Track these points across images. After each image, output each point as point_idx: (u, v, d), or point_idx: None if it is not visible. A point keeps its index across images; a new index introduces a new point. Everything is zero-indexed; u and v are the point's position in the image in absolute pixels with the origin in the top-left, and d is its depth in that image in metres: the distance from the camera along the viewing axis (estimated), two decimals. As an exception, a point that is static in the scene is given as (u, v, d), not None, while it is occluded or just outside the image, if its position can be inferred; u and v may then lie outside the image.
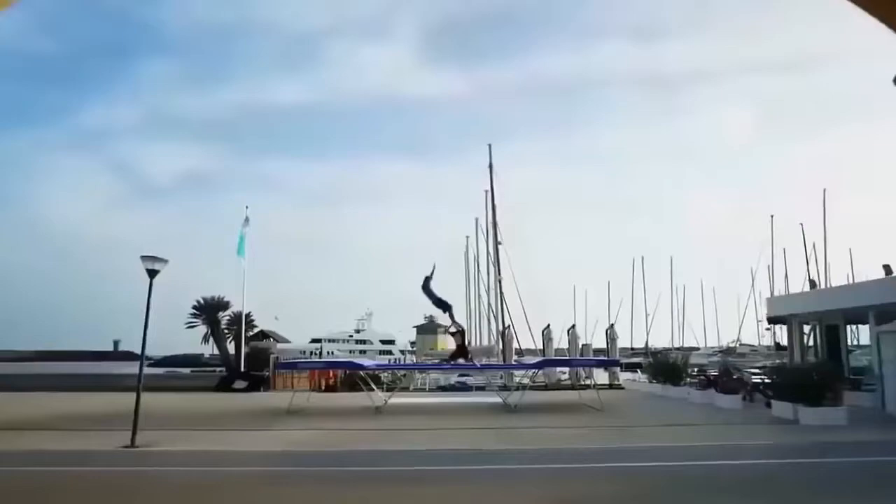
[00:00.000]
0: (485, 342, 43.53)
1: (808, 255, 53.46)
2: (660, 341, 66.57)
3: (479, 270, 46.46)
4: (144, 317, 11.19)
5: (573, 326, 24.27)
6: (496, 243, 34.87)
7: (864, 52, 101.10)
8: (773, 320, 25.14)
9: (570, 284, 60.96)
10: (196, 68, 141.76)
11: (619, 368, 23.28)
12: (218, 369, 27.53)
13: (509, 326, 24.67)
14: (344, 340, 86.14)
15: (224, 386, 24.52)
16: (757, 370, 23.58)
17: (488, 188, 37.07)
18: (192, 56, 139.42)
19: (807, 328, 22.39)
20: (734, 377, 16.67)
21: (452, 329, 17.64)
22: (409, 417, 14.85)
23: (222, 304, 26.03)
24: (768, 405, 15.96)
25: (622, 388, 23.63)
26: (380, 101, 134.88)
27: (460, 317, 50.68)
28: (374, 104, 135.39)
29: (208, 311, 25.84)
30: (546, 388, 22.85)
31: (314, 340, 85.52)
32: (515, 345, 27.64)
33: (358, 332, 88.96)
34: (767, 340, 59.42)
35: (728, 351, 54.57)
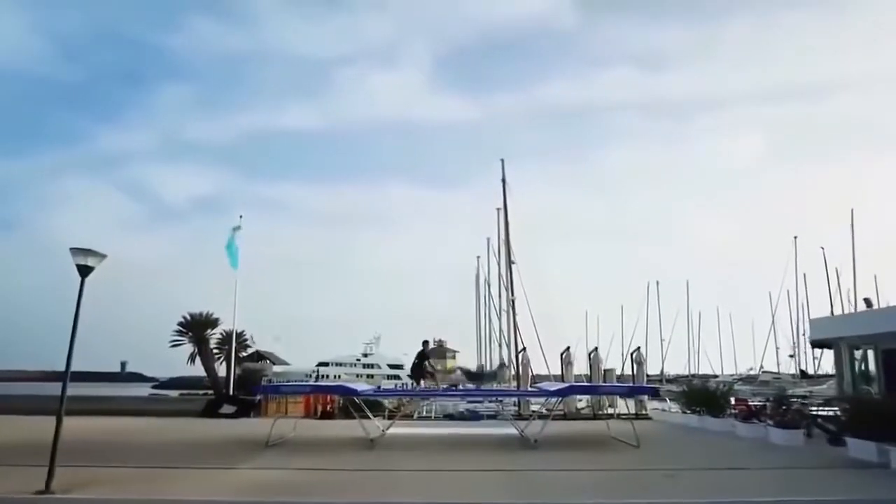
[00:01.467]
0: (496, 366, 40.98)
1: (831, 279, 50.70)
2: (674, 368, 63.49)
3: (490, 292, 44.14)
4: (72, 325, 8.84)
5: (595, 350, 21.60)
6: (509, 262, 32.49)
7: (871, 78, 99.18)
8: (816, 344, 22.39)
9: (580, 309, 58.21)
10: (209, 94, 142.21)
11: (646, 397, 20.47)
12: (206, 392, 25.07)
13: (525, 349, 22.05)
14: (351, 364, 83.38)
15: (210, 411, 22.00)
16: (797, 400, 20.79)
17: (500, 206, 34.91)
18: (206, 82, 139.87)
19: (857, 353, 19.66)
20: (792, 408, 13.90)
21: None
22: (408, 453, 12.27)
23: (210, 321, 23.57)
24: (833, 442, 13.28)
25: (649, 419, 20.87)
26: (390, 126, 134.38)
27: (470, 341, 48.19)
28: (385, 129, 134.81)
29: (195, 328, 23.40)
30: (565, 417, 20.17)
31: (321, 364, 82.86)
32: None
33: (366, 355, 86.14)
34: (786, 367, 56.48)
35: (749, 378, 51.35)
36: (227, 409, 21.91)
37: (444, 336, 69.15)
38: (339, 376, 73.45)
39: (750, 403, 18.76)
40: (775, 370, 51.91)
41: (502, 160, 33.74)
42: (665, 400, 21.80)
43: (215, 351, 25.02)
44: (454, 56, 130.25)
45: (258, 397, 21.86)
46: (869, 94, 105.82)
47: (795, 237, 50.18)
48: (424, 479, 9.50)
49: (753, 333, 64.84)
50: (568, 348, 21.36)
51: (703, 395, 17.47)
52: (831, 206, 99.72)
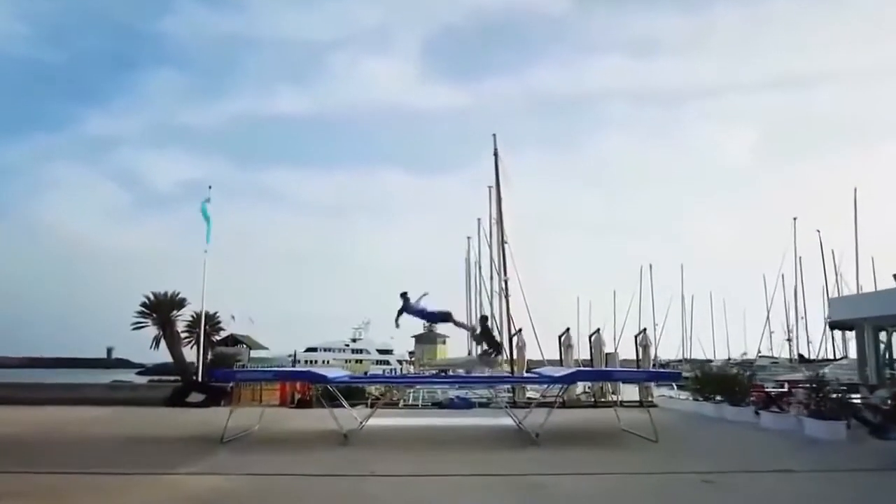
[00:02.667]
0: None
1: (828, 263, 49.13)
2: (665, 353, 61.88)
3: (481, 274, 42.12)
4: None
5: (598, 332, 19.57)
6: (501, 241, 30.49)
7: (865, 69, 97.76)
8: (836, 326, 20.59)
9: (571, 296, 56.42)
10: (200, 79, 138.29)
11: (653, 384, 18.53)
12: (176, 379, 22.90)
13: (521, 330, 19.95)
14: (340, 350, 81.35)
15: (177, 399, 19.88)
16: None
17: (492, 184, 32.85)
18: (196, 67, 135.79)
19: (882, 335, 17.84)
20: (833, 396, 11.94)
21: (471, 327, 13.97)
22: (387, 452, 10.23)
23: (177, 302, 21.33)
24: (877, 435, 11.43)
25: (655, 406, 18.99)
26: (382, 112, 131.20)
27: (458, 329, 46.17)
28: (377, 115, 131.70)
29: (159, 309, 21.16)
30: (564, 405, 18.25)
31: (309, 349, 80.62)
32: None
33: (354, 340, 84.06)
34: (777, 351, 55.10)
35: (746, 363, 49.82)
36: (195, 397, 19.77)
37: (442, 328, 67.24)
38: (328, 361, 71.43)
39: (767, 390, 16.86)
40: (771, 354, 50.53)
41: (494, 135, 31.71)
42: (672, 386, 19.89)
43: (185, 335, 22.84)
44: (446, 41, 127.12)
45: (230, 384, 19.75)
46: (863, 86, 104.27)
47: (795, 218, 48.68)
48: (403, 489, 7.47)
49: (744, 319, 63.60)
50: (568, 330, 19.36)
51: (720, 381, 15.53)
52: (824, 196, 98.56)
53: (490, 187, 34.04)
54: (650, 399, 19.34)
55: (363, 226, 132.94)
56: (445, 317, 13.47)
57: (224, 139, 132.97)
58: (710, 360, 55.54)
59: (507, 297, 27.84)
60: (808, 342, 52.75)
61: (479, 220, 41.20)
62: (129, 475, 8.10)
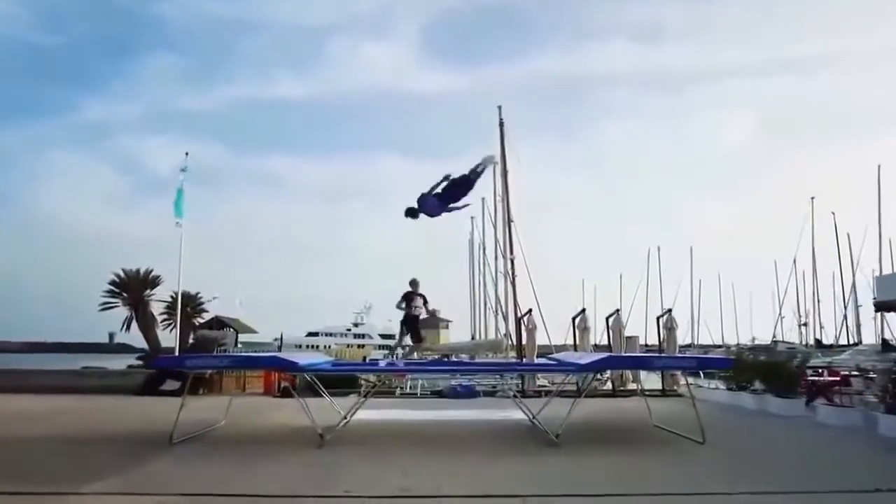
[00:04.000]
0: (491, 335, 36.93)
1: (842, 245, 46.75)
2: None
3: (485, 256, 39.96)
4: None
5: (617, 312, 17.38)
6: (507, 218, 28.21)
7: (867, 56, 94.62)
8: (884, 307, 18.40)
9: (576, 279, 54.09)
10: (197, 64, 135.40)
11: (679, 372, 16.34)
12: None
13: (531, 311, 17.70)
14: (342, 334, 79.68)
15: (150, 387, 17.88)
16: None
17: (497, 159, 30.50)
18: (194, 52, 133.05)
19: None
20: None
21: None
22: (369, 459, 8.09)
23: (150, 280, 19.17)
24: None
25: (680, 396, 16.90)
26: (381, 97, 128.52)
27: (463, 309, 43.98)
28: (376, 100, 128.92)
29: (130, 287, 19.01)
30: (578, 393, 16.19)
31: (311, 334, 79.08)
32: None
33: (356, 325, 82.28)
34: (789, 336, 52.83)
35: (759, 348, 47.52)
36: (170, 385, 17.68)
37: (437, 306, 65.30)
38: (330, 346, 69.70)
39: (811, 378, 14.69)
40: (785, 339, 48.24)
41: (499, 107, 29.28)
42: (698, 374, 17.72)
43: (164, 317, 20.75)
44: (445, 26, 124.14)
45: (208, 371, 17.68)
46: (864, 71, 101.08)
47: (813, 198, 46.12)
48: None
49: (750, 303, 61.48)
50: (583, 311, 17.16)
51: (763, 368, 13.36)
52: (832, 179, 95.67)
53: (495, 163, 31.84)
54: (675, 388, 17.23)
55: (362, 211, 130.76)
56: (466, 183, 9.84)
57: (222, 124, 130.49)
58: (719, 346, 53.38)
59: (513, 276, 25.65)
60: (821, 327, 50.61)
61: (482, 199, 39.00)
62: (19, 496, 6.00)
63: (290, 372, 9.04)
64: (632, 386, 17.26)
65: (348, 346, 71.21)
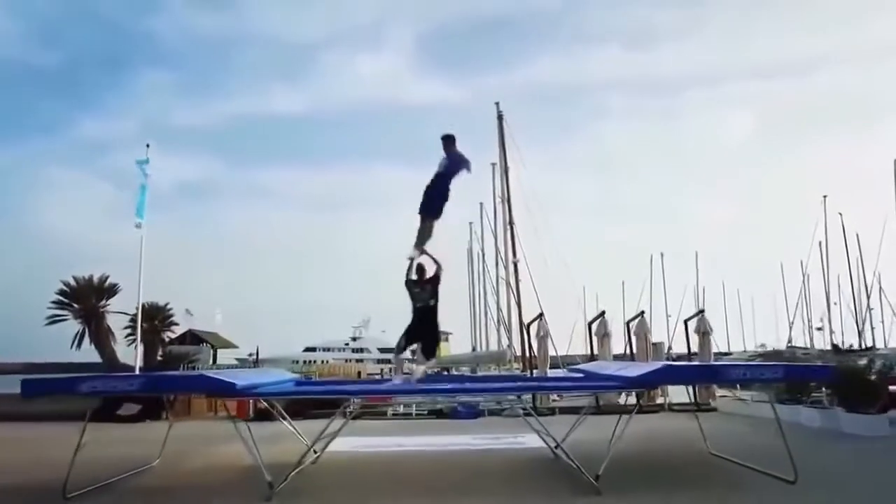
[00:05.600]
0: (493, 347, 34.39)
1: (850, 245, 44.35)
2: (679, 346, 56.96)
3: (484, 262, 37.57)
4: None
5: (642, 315, 14.80)
6: (509, 220, 25.80)
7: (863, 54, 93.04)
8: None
9: (576, 286, 51.48)
10: (193, 79, 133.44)
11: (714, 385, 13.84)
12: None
13: (542, 315, 15.04)
14: (339, 349, 76.90)
15: (106, 412, 15.32)
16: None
17: (495, 160, 28.17)
18: (189, 67, 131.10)
19: None
20: None
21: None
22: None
23: (105, 289, 16.55)
24: None
25: (714, 411, 14.44)
26: (376, 108, 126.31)
27: (462, 321, 41.50)
28: (371, 111, 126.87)
29: (82, 297, 16.40)
30: (599, 409, 13.73)
31: (308, 349, 76.25)
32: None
33: (354, 339, 79.47)
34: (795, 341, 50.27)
35: (770, 355, 44.98)
36: (128, 408, 15.20)
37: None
38: (327, 362, 66.93)
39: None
40: (799, 345, 45.64)
41: (497, 103, 27.04)
42: (735, 386, 15.20)
43: (128, 332, 18.19)
44: (439, 36, 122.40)
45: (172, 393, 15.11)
46: (865, 65, 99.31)
47: (825, 196, 43.48)
48: None
49: (753, 308, 58.95)
50: (602, 314, 14.59)
51: (859, 379, 10.72)
52: (835, 180, 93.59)
53: (493, 164, 29.54)
54: (710, 402, 14.72)
55: (359, 221, 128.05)
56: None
57: (218, 138, 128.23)
58: (727, 353, 50.71)
59: (517, 280, 23.20)
60: (831, 332, 48.01)
61: (481, 203, 36.68)
62: None
63: (221, 396, 6.54)
64: (659, 399, 14.74)
65: (346, 360, 68.44)
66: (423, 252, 8.02)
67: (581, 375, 8.53)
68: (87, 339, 16.39)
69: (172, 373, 8.26)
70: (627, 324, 15.22)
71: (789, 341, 44.69)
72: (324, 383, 10.27)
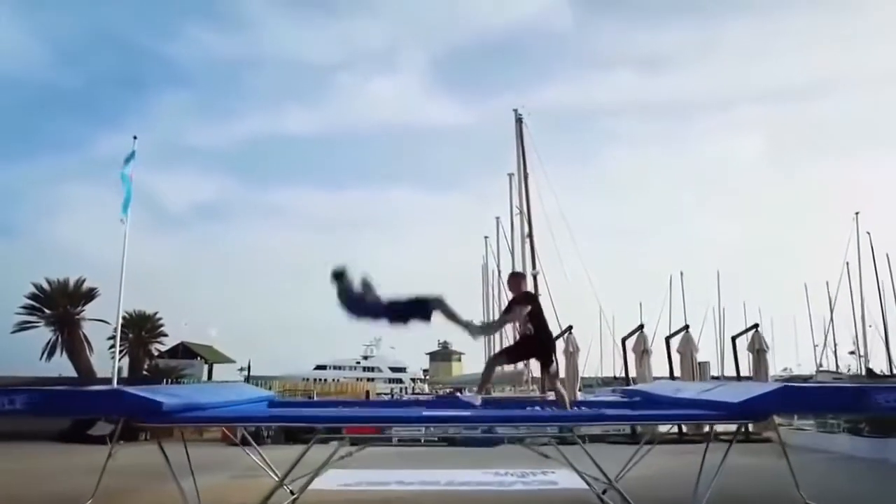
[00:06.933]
0: (508, 367, 32.22)
1: (879, 266, 41.77)
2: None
3: (500, 278, 35.60)
4: None
5: (686, 329, 12.70)
6: (529, 232, 23.86)
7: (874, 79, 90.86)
8: None
9: (591, 309, 49.25)
10: (209, 100, 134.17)
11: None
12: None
13: (571, 328, 12.82)
14: (351, 367, 74.92)
15: (77, 431, 13.56)
16: None
17: (513, 171, 26.33)
18: (205, 88, 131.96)
19: None
20: None
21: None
22: None
23: (82, 293, 14.66)
24: None
25: (768, 441, 12.21)
26: (390, 130, 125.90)
27: (475, 345, 39.30)
28: (385, 134, 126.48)
29: (54, 303, 14.54)
30: (634, 437, 11.67)
31: (319, 367, 74.42)
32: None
33: (366, 358, 77.52)
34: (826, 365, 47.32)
35: (795, 379, 42.17)
36: (102, 428, 13.31)
37: (449, 338, 61.41)
38: (338, 380, 65.03)
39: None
40: (830, 369, 42.75)
41: (515, 109, 25.35)
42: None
43: (112, 344, 16.39)
44: (451, 60, 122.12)
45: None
46: (872, 92, 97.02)
47: (857, 213, 40.91)
48: None
49: (772, 331, 55.97)
50: (641, 328, 12.50)
51: None
52: (842, 203, 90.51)
53: (511, 175, 27.73)
54: (764, 432, 12.49)
55: (371, 241, 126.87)
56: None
57: (232, 158, 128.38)
58: (749, 377, 47.88)
59: (536, 293, 21.16)
60: (866, 356, 45.02)
61: (497, 218, 34.81)
62: None
63: (135, 419, 4.62)
64: (706, 428, 12.53)
65: (357, 379, 66.39)
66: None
67: (639, 399, 6.44)
68: (61, 350, 14.53)
69: (73, 388, 6.32)
70: (668, 339, 13.10)
71: (819, 366, 41.86)
72: (304, 404, 8.27)
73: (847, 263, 43.62)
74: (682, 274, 54.42)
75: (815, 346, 47.53)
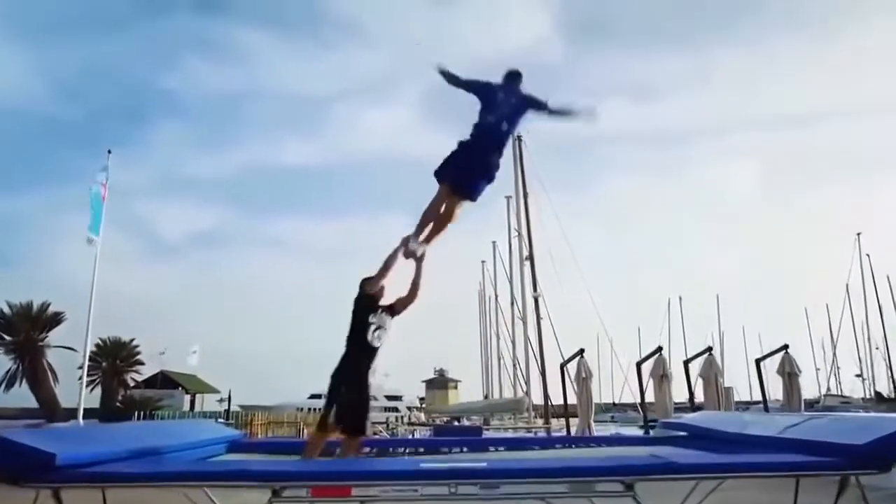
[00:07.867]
0: (507, 394, 30.80)
1: (880, 288, 40.86)
2: (698, 394, 52.58)
3: (498, 302, 34.39)
4: None
5: (709, 351, 11.44)
6: (530, 254, 22.70)
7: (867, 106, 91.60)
8: None
9: (588, 334, 48.09)
10: (207, 131, 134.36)
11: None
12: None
13: (583, 351, 11.37)
14: (345, 396, 72.81)
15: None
16: None
17: (510, 193, 25.25)
18: (203, 120, 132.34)
19: None
20: None
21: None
22: None
23: (46, 319, 13.26)
24: None
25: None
26: (386, 160, 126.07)
27: (473, 368, 38.05)
28: (381, 164, 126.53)
29: (15, 328, 13.12)
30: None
31: (313, 396, 72.32)
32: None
33: (361, 386, 75.46)
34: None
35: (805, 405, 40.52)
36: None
37: (445, 366, 59.95)
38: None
39: None
40: (837, 393, 41.30)
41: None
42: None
43: (91, 372, 14.99)
44: (447, 92, 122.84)
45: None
46: (866, 119, 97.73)
47: (859, 234, 40.10)
48: None
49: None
50: (659, 350, 11.24)
51: None
52: (839, 228, 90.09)
53: (508, 197, 26.67)
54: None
55: (367, 271, 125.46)
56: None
57: (230, 188, 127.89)
58: (754, 402, 46.32)
59: (537, 317, 20.01)
60: (872, 379, 43.67)
61: (493, 242, 33.70)
62: None
63: (12, 478, 3.37)
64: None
65: (352, 409, 64.29)
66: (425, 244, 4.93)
67: (696, 438, 5.12)
68: (20, 379, 13.12)
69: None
70: (686, 363, 11.85)
71: (828, 390, 40.46)
72: (273, 446, 6.86)
73: (847, 286, 42.78)
74: (680, 299, 53.30)
75: (816, 369, 46.30)
